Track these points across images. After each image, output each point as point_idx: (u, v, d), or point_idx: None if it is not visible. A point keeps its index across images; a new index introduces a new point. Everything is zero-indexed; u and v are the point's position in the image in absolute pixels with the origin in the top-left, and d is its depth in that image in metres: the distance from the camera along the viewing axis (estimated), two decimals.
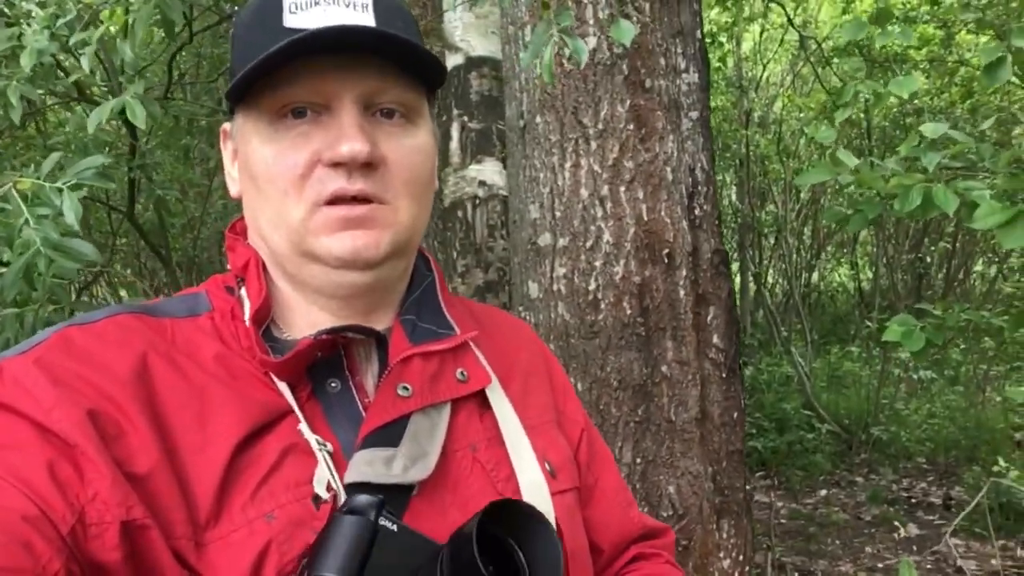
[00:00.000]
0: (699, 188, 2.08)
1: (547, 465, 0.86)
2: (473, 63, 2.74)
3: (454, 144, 2.78)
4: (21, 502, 0.59)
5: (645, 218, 1.98)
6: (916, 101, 5.84)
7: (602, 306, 1.98)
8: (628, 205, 1.99)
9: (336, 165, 0.74)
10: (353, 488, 0.72)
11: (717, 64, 6.82)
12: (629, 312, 1.96)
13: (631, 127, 2.00)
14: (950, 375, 6.36)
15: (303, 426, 0.73)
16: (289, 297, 0.82)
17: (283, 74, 0.73)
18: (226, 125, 0.85)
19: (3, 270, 1.41)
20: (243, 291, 0.81)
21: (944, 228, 6.86)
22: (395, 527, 0.69)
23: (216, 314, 0.80)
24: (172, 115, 2.98)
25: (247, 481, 0.70)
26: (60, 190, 1.35)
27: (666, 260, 1.99)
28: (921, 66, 5.79)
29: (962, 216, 2.00)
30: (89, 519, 0.62)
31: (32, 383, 0.66)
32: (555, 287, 2.03)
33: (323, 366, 0.78)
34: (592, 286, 1.99)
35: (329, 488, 0.71)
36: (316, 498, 0.71)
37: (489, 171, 2.73)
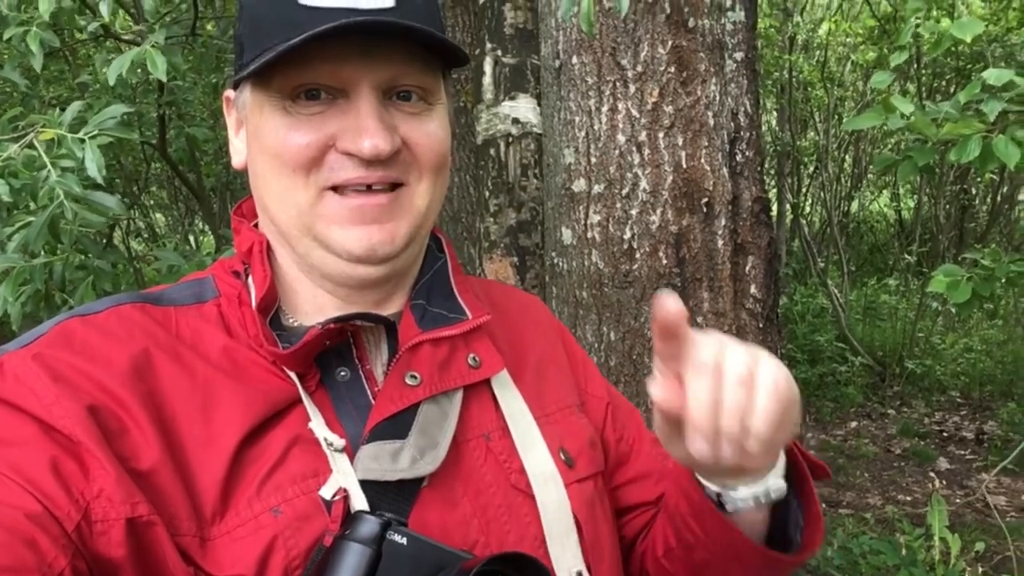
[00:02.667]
0: (742, 133, 2.01)
1: (563, 455, 0.83)
2: None
3: (487, 80, 2.70)
4: (25, 499, 0.59)
5: (684, 165, 1.92)
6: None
7: (637, 255, 1.94)
8: (667, 152, 1.92)
9: (351, 154, 0.72)
10: (362, 485, 0.70)
11: None
12: (665, 262, 1.93)
13: (672, 69, 1.92)
14: (989, 308, 6.25)
15: (314, 423, 0.72)
16: (295, 280, 0.80)
17: (297, 55, 0.70)
18: (229, 92, 0.83)
19: (31, 219, 1.40)
20: (250, 277, 0.80)
21: (986, 170, 6.62)
22: (404, 540, 0.67)
23: (223, 300, 0.79)
24: (199, 51, 2.93)
25: (253, 475, 0.69)
26: (82, 140, 1.33)
27: (704, 209, 1.94)
28: None
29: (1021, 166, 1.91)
30: (94, 516, 0.61)
31: (33, 379, 0.65)
32: (589, 234, 2.00)
33: (332, 354, 0.76)
34: (627, 235, 1.95)
35: (339, 492, 0.69)
36: (327, 504, 0.69)
37: (523, 108, 2.65)
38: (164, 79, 1.52)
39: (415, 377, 0.76)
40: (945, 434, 5.20)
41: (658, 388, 0.66)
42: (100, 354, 0.69)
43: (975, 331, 6.25)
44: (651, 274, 1.93)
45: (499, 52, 2.65)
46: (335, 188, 0.74)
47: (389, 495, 0.72)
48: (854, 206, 8.48)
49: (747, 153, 2.02)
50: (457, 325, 0.81)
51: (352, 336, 0.78)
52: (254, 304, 0.76)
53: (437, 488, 0.75)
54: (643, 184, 1.93)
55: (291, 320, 0.80)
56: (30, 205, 1.48)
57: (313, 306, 0.80)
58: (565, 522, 0.80)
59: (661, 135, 1.93)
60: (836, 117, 7.11)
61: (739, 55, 2.00)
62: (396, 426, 0.74)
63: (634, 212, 1.94)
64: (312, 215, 0.74)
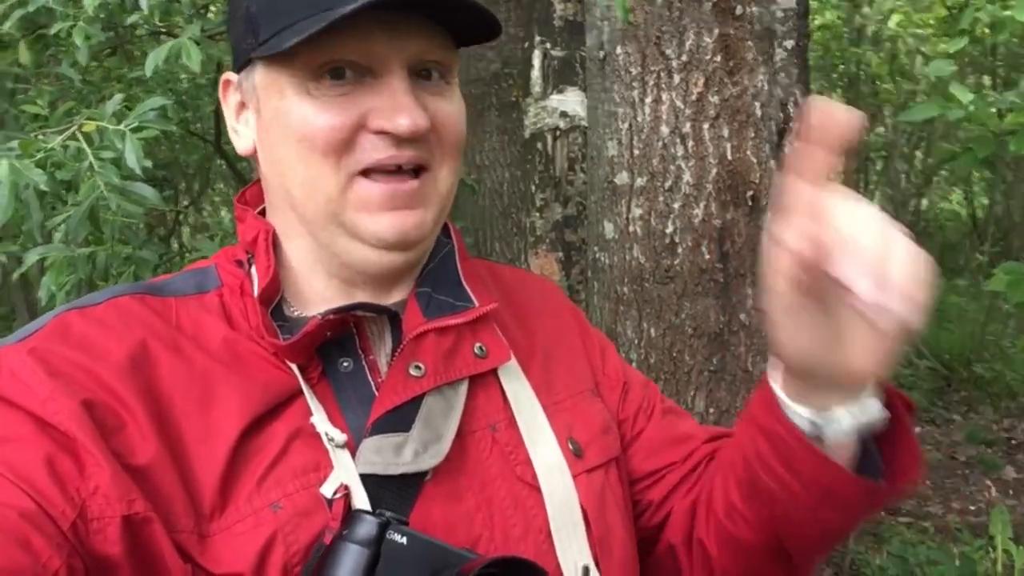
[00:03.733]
0: (791, 124, 1.95)
1: (571, 444, 0.81)
2: None
3: (535, 72, 2.69)
4: (18, 498, 0.58)
5: (729, 157, 1.87)
6: None
7: (679, 250, 1.90)
8: (711, 143, 1.88)
9: (384, 133, 0.70)
10: (364, 480, 0.69)
11: None
12: (707, 257, 1.88)
13: (718, 59, 1.88)
14: None
15: (315, 417, 0.70)
16: (308, 270, 0.79)
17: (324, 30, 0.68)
18: (230, 75, 0.80)
19: (73, 211, 1.44)
20: (253, 267, 0.78)
21: None
22: (404, 539, 0.66)
23: (225, 290, 0.77)
24: None
25: (253, 469, 0.67)
26: (123, 133, 1.35)
27: (750, 203, 1.89)
28: None
29: None
30: (91, 514, 0.60)
31: (28, 374, 0.64)
32: (631, 228, 1.96)
33: (334, 345, 0.75)
34: (669, 229, 1.91)
35: (340, 489, 0.68)
36: (328, 501, 0.68)
37: (571, 101, 2.63)
38: (198, 70, 1.54)
39: (419, 368, 0.74)
40: (1014, 442, 4.99)
41: (791, 229, 0.56)
42: (97, 347, 0.68)
43: None
44: (693, 269, 1.89)
45: (548, 44, 2.64)
46: (364, 173, 0.72)
47: (392, 489, 0.70)
48: (924, 203, 8.20)
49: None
50: (463, 313, 0.79)
51: (356, 326, 0.76)
52: (256, 294, 0.75)
53: (441, 482, 0.73)
54: (686, 177, 1.89)
55: (294, 311, 0.78)
56: (74, 197, 1.51)
57: (321, 297, 0.79)
58: (572, 515, 0.78)
59: (706, 126, 1.88)
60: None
61: (789, 43, 1.94)
62: (399, 418, 0.72)
63: (676, 206, 1.90)
64: (342, 202, 0.72)
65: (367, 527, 0.65)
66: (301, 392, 0.71)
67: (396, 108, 0.70)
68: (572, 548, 0.77)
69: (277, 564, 0.65)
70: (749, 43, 1.89)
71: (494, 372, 0.81)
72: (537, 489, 0.77)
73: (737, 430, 0.81)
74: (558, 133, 2.64)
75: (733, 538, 0.79)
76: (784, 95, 1.95)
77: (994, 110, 1.95)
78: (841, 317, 0.60)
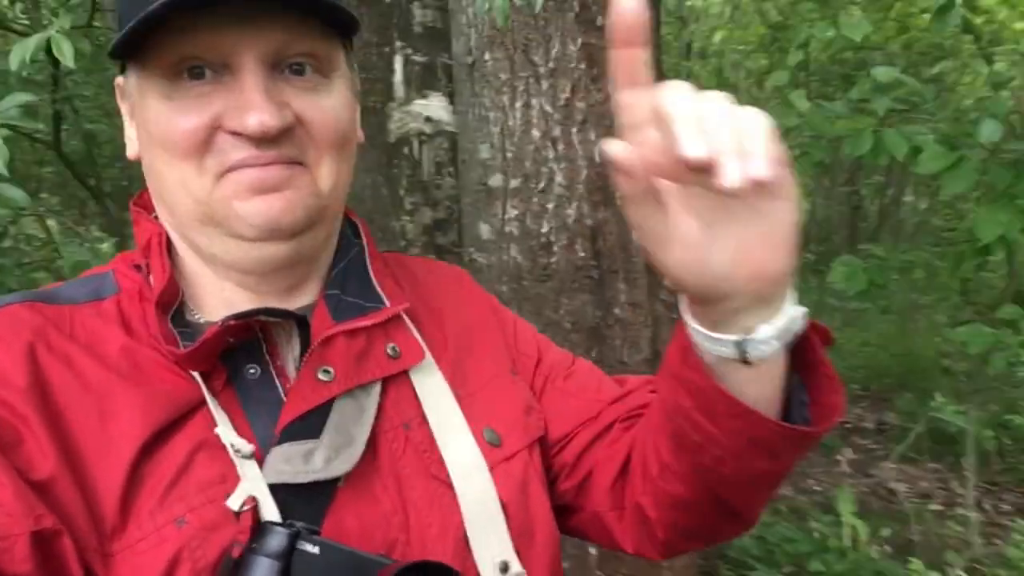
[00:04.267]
0: None
1: (487, 434, 0.80)
2: None
3: (398, 78, 2.69)
4: None
5: (598, 160, 1.96)
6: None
7: (555, 249, 1.96)
8: (580, 147, 1.95)
9: (238, 134, 0.68)
10: (274, 489, 0.67)
11: None
12: (582, 255, 1.95)
13: (582, 66, 1.95)
14: (883, 304, 6.56)
15: (220, 428, 0.67)
16: (199, 274, 0.76)
17: (175, 25, 0.65)
18: (120, 79, 0.77)
19: None
20: (151, 273, 0.75)
21: (879, 161, 6.97)
22: (316, 549, 0.64)
23: (123, 296, 0.74)
24: (95, 43, 2.81)
25: (155, 484, 0.65)
26: None
27: (619, 202, 1.97)
28: (858, 1, 5.80)
29: (907, 160, 2.02)
30: None
31: None
32: (507, 229, 2.00)
33: (240, 351, 0.72)
34: (545, 228, 1.96)
35: (248, 501, 0.65)
36: (236, 514, 0.65)
37: (435, 106, 2.65)
38: (72, 65, 1.45)
39: (328, 372, 0.72)
40: (848, 425, 5.42)
41: (614, 144, 0.56)
42: None
43: (871, 326, 6.55)
44: (569, 267, 1.95)
45: (409, 51, 2.64)
46: (230, 171, 0.69)
47: (303, 498, 0.68)
48: None
49: None
50: (373, 315, 0.77)
51: (262, 331, 0.74)
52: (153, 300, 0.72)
53: (355, 486, 0.71)
54: (558, 178, 1.95)
55: (196, 316, 0.76)
56: None
57: (219, 300, 0.76)
58: (488, 510, 0.77)
59: (574, 130, 1.95)
60: None
61: None
62: (309, 425, 0.70)
63: (550, 206, 1.96)
64: (211, 200, 0.69)
65: (277, 539, 0.63)
66: (205, 402, 0.69)
67: (245, 106, 0.66)
68: (490, 544, 0.76)
69: None
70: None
71: (406, 372, 0.79)
72: (451, 486, 0.76)
73: (658, 384, 0.78)
74: (424, 138, 2.65)
75: (670, 496, 0.77)
76: None
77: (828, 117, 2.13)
78: (714, 217, 0.58)
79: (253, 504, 0.65)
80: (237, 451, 0.67)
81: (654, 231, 0.60)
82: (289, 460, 0.68)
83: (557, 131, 1.95)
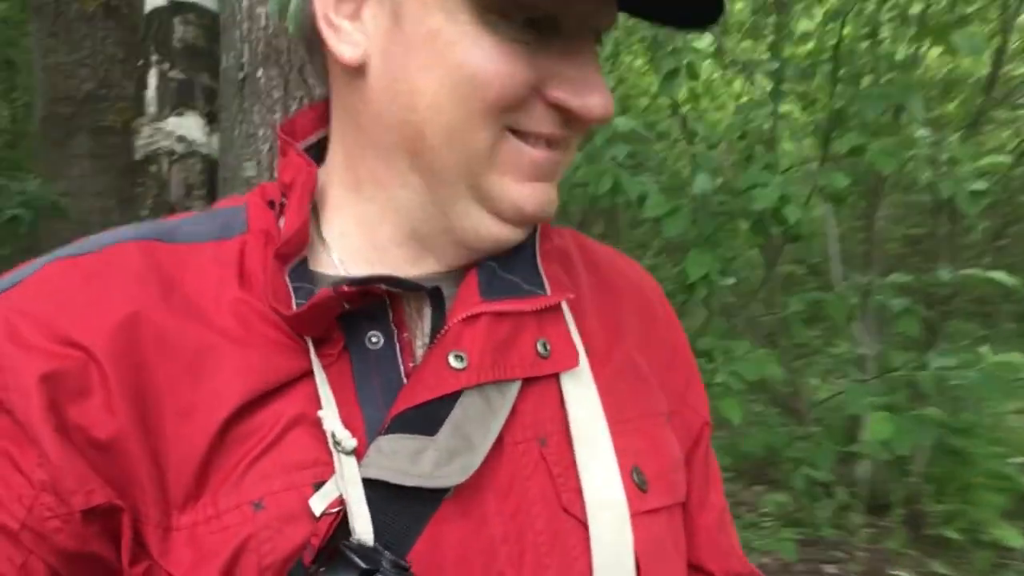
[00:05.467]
0: None
1: (636, 475, 0.66)
2: (178, 7, 2.56)
3: (151, 92, 2.57)
4: None
5: None
6: None
7: None
8: None
9: (558, 107, 0.61)
10: (369, 486, 0.57)
11: None
12: None
13: None
14: None
15: (324, 411, 0.58)
16: (375, 220, 0.66)
17: None
18: None
19: None
20: (284, 216, 0.66)
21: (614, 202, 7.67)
22: None
23: (250, 237, 0.65)
24: None
25: (240, 457, 0.57)
26: None
27: None
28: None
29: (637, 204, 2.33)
30: (41, 512, 0.54)
31: None
32: None
33: (364, 315, 0.62)
34: None
35: (335, 503, 0.56)
36: (322, 514, 0.56)
37: (189, 125, 2.56)
38: None
39: (461, 358, 0.61)
40: None
41: None
42: (78, 305, 0.58)
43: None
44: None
45: (166, 65, 2.55)
46: (515, 131, 0.61)
47: (400, 504, 0.58)
48: None
49: None
50: (530, 299, 0.65)
51: (389, 297, 0.63)
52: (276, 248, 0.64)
53: (464, 502, 0.59)
54: None
55: (340, 262, 0.67)
56: None
57: (380, 256, 0.67)
58: (622, 564, 0.63)
59: None
60: None
61: None
62: (426, 417, 0.59)
63: None
64: (487, 161, 0.61)
65: (354, 572, 0.53)
66: (311, 372, 0.60)
67: (588, 85, 0.60)
68: None
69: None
70: None
71: (554, 378, 0.67)
72: (584, 525, 0.63)
73: None
74: (174, 157, 2.55)
75: None
76: None
77: None
78: None
79: (340, 506, 0.56)
80: (338, 443, 0.57)
81: None
82: (394, 456, 0.58)
83: None
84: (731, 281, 2.79)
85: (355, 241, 0.68)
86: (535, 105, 0.61)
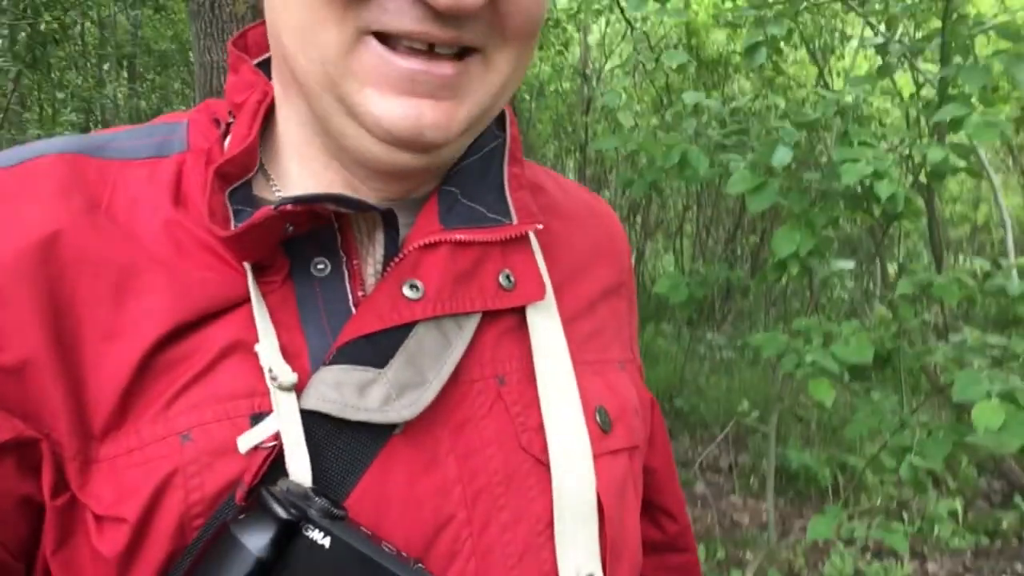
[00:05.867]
0: None
1: (599, 415, 0.63)
2: None
3: None
4: None
5: None
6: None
7: None
8: None
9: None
10: (310, 419, 0.52)
11: (560, 48, 7.12)
12: None
13: None
14: (750, 356, 6.94)
15: (262, 344, 0.53)
16: (304, 142, 0.60)
17: None
18: None
19: None
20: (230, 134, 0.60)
21: (756, 224, 7.46)
22: (327, 540, 0.49)
23: (190, 156, 0.60)
24: None
25: (167, 385, 0.52)
26: None
27: None
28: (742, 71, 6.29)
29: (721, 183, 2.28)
30: None
31: None
32: None
33: (310, 240, 0.57)
34: None
35: (270, 439, 0.52)
36: (254, 448, 0.52)
37: None
38: None
39: (417, 288, 0.56)
40: (704, 464, 5.71)
41: None
42: None
43: (736, 374, 6.92)
44: None
45: None
46: (381, 35, 0.51)
47: (344, 440, 0.54)
48: (643, 261, 9.22)
49: None
50: (495, 229, 0.60)
51: (338, 221, 0.58)
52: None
53: (413, 440, 0.55)
54: None
55: (277, 192, 0.61)
56: None
57: (320, 181, 0.60)
58: (584, 505, 0.60)
59: None
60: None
61: None
62: (376, 349, 0.55)
63: None
64: (342, 67, 0.52)
65: (273, 528, 0.48)
66: (251, 301, 0.55)
67: None
68: (576, 548, 0.60)
69: (172, 514, 0.50)
70: None
71: (515, 312, 0.62)
72: (545, 466, 0.60)
73: None
74: None
75: None
76: None
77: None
78: None
79: (274, 444, 0.51)
80: (274, 379, 0.52)
81: None
82: (339, 388, 0.53)
83: None
84: (849, 266, 2.65)
85: (295, 167, 0.61)
86: None
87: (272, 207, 0.52)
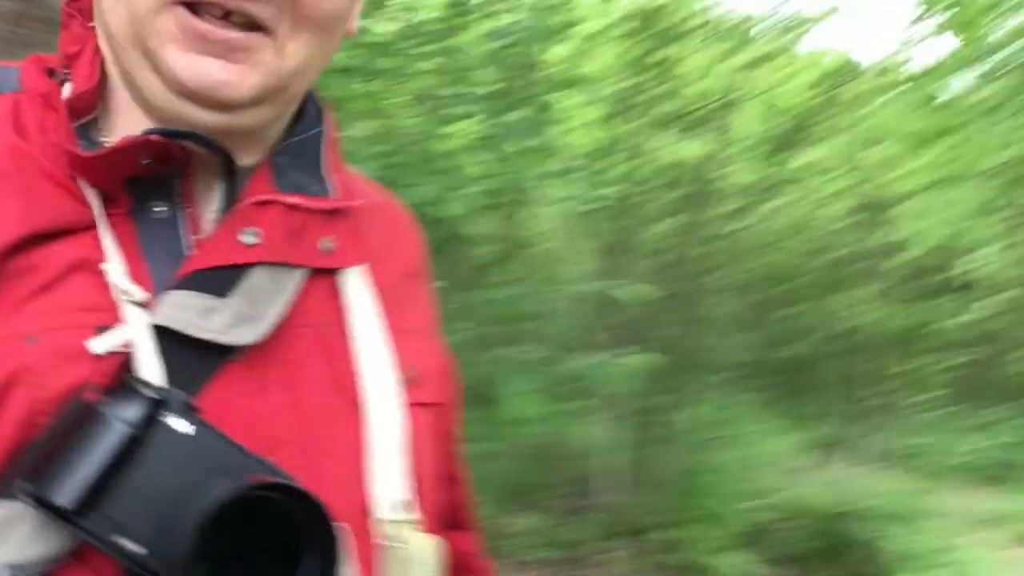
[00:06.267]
0: None
1: (411, 371, 0.69)
2: None
3: None
4: None
5: None
6: None
7: None
8: None
9: None
10: (157, 334, 0.56)
11: None
12: None
13: None
14: None
15: (109, 264, 0.57)
16: (123, 100, 0.64)
17: None
18: None
19: None
20: (67, 83, 0.64)
21: None
22: (192, 429, 0.53)
23: (24, 97, 0.63)
24: None
25: (13, 290, 0.55)
26: None
27: None
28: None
29: None
30: None
31: None
32: None
33: (150, 184, 0.61)
34: None
35: (122, 346, 0.55)
36: (105, 353, 0.55)
37: None
38: None
39: (253, 235, 0.62)
40: None
41: None
42: None
43: None
44: None
45: None
46: (189, 6, 0.58)
47: (187, 358, 0.58)
48: None
49: None
50: (320, 199, 0.66)
51: (181, 170, 0.63)
52: (65, 101, 0.61)
53: (249, 367, 0.61)
54: None
55: (106, 139, 0.63)
56: None
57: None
58: (394, 446, 0.66)
59: None
60: None
61: None
62: (216, 282, 0.60)
63: None
64: (149, 26, 0.58)
65: (140, 406, 0.52)
66: (95, 226, 0.59)
67: None
68: (389, 480, 0.65)
69: (19, 408, 0.53)
70: None
71: (335, 276, 0.67)
72: (358, 407, 0.65)
73: None
74: None
75: None
76: None
77: None
78: None
79: (125, 351, 0.56)
80: (125, 294, 0.56)
81: None
82: (185, 308, 0.58)
83: None
84: None
85: (119, 120, 0.64)
86: None
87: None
